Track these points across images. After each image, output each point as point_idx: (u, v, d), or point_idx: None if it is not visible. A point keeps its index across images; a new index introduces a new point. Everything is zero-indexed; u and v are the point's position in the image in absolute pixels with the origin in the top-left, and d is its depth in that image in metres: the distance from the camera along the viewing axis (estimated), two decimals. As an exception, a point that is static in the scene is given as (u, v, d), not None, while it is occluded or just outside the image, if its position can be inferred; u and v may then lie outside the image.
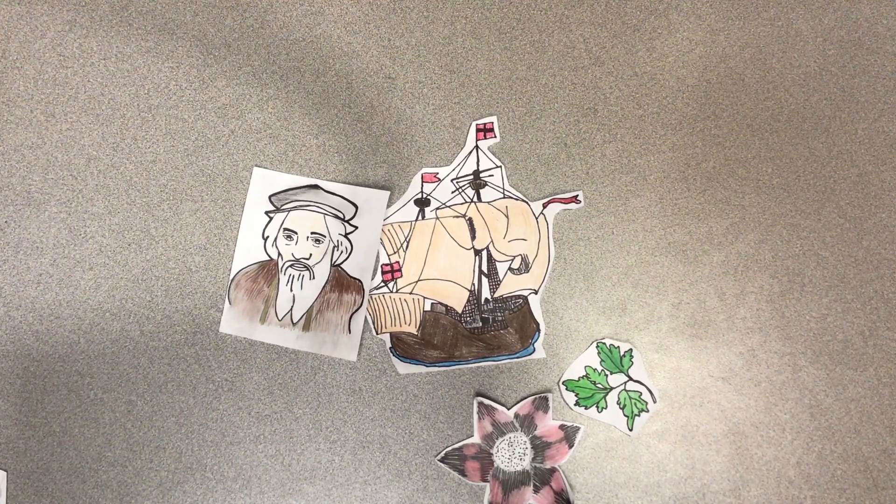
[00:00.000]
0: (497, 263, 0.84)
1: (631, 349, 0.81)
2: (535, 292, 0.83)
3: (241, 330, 0.83)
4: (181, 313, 0.83)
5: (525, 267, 0.83)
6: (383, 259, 0.84)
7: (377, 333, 0.83)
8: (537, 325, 0.83)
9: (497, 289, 0.83)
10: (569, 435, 0.80)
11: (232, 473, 0.82)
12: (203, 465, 0.82)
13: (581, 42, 0.86)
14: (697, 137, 0.85)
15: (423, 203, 0.85)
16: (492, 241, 0.84)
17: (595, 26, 0.87)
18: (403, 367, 0.83)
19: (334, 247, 0.84)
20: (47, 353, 0.83)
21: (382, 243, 0.84)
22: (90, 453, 0.82)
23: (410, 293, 0.84)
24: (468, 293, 0.84)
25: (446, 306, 0.84)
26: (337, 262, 0.84)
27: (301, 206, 0.84)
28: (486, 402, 0.81)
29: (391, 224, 0.84)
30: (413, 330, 0.83)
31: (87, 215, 0.85)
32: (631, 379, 0.81)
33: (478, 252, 0.84)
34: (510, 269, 0.84)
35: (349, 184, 0.84)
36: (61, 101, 0.86)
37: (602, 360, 0.81)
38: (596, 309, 0.83)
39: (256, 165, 0.85)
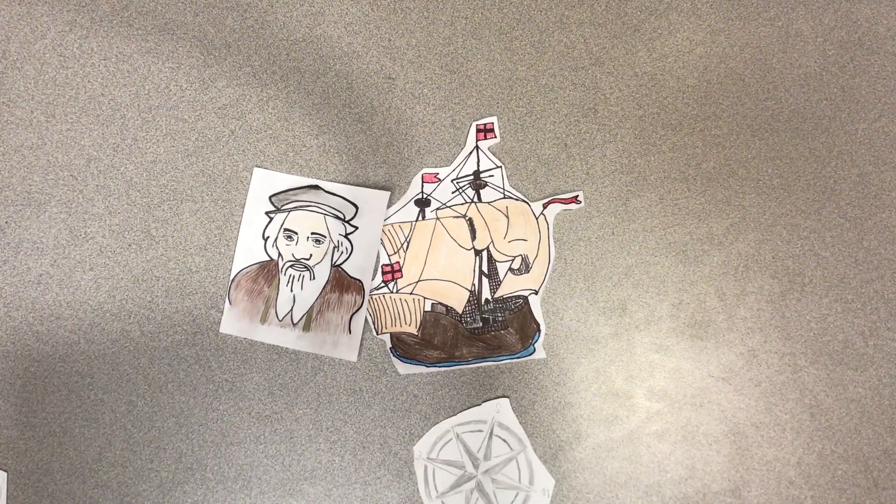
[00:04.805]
0: (497, 264, 0.84)
1: None
2: (536, 292, 0.83)
3: (241, 330, 0.83)
4: (181, 314, 0.83)
5: (525, 267, 0.83)
6: (383, 259, 0.84)
7: (377, 334, 0.83)
8: (538, 325, 0.83)
9: (497, 289, 0.83)
10: None
11: (232, 474, 0.82)
12: (203, 466, 0.82)
13: (581, 42, 0.86)
14: (697, 137, 0.85)
15: (423, 203, 0.85)
16: (492, 241, 0.84)
17: (595, 26, 0.87)
18: (404, 368, 0.83)
19: (334, 247, 0.84)
20: (47, 353, 0.83)
21: (383, 243, 0.84)
22: (90, 453, 0.82)
23: (411, 293, 0.84)
24: (468, 293, 0.84)
25: (446, 306, 0.84)
26: (337, 263, 0.84)
27: (301, 206, 0.84)
28: None
29: (391, 224, 0.84)
30: (413, 330, 0.83)
31: (88, 216, 0.85)
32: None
33: (478, 252, 0.84)
34: (510, 269, 0.84)
35: (349, 184, 0.84)
36: (61, 101, 0.86)
37: None
38: (596, 309, 0.83)
39: (257, 166, 0.85)
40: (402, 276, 0.84)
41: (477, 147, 0.85)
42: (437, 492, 0.80)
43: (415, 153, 0.85)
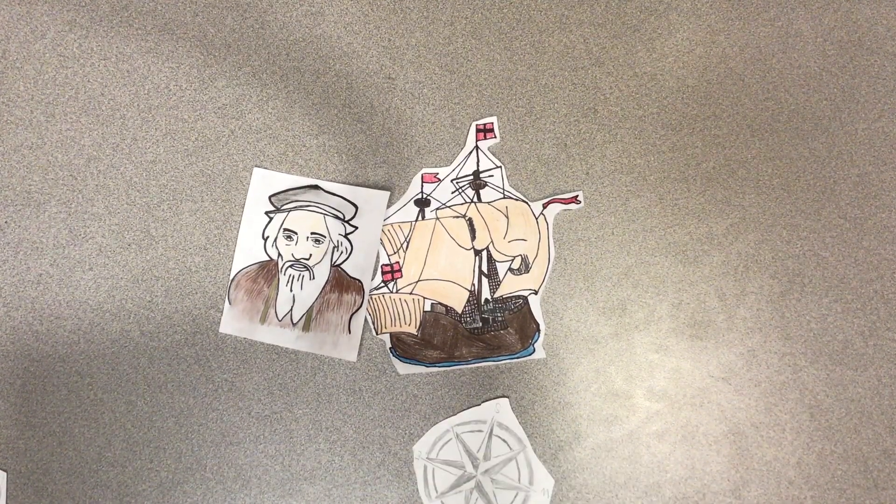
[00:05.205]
0: (497, 264, 0.84)
1: None
2: (536, 292, 0.83)
3: (241, 330, 0.83)
4: (181, 313, 0.83)
5: (525, 267, 0.83)
6: (383, 259, 0.84)
7: (377, 334, 0.83)
8: (537, 325, 0.83)
9: (497, 289, 0.83)
10: None
11: (232, 474, 0.82)
12: (203, 466, 0.82)
13: (581, 42, 0.86)
14: (697, 137, 0.85)
15: (423, 203, 0.85)
16: (492, 241, 0.84)
17: (595, 26, 0.87)
18: (403, 368, 0.83)
19: (334, 247, 0.84)
20: (47, 353, 0.83)
21: (382, 243, 0.84)
22: (90, 453, 0.82)
23: (410, 293, 0.84)
24: (468, 293, 0.84)
25: (446, 306, 0.84)
26: (337, 263, 0.84)
27: (301, 206, 0.84)
28: None
29: (391, 224, 0.84)
30: (413, 330, 0.83)
31: (87, 215, 0.85)
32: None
33: (478, 252, 0.84)
34: (510, 269, 0.84)
35: (349, 184, 0.84)
36: (61, 101, 0.86)
37: None
38: (596, 309, 0.83)
39: (256, 165, 0.85)
40: (401, 276, 0.84)
41: (477, 147, 0.85)
42: (436, 492, 0.80)
43: (415, 153, 0.85)
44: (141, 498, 0.82)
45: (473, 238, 0.84)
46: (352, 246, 0.84)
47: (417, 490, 0.81)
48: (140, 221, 0.85)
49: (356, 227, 0.84)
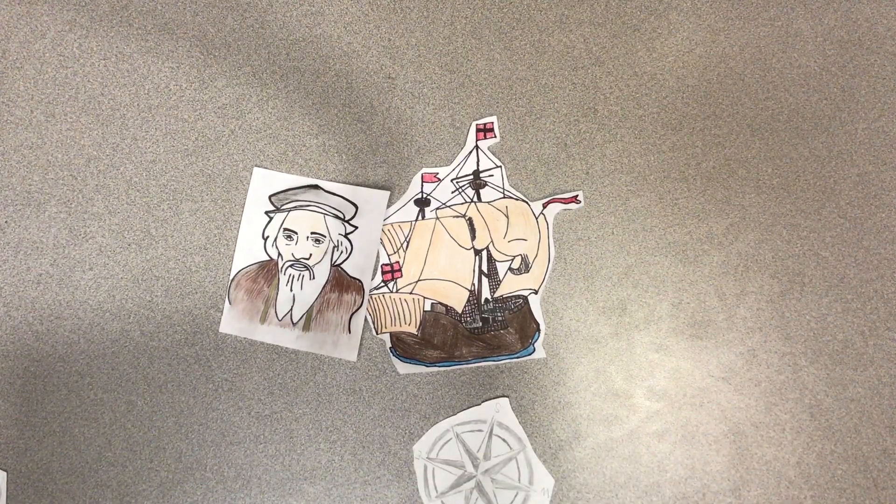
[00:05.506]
0: (497, 263, 0.84)
1: None
2: (536, 292, 0.83)
3: (241, 330, 0.83)
4: (181, 313, 0.83)
5: (525, 267, 0.83)
6: (383, 259, 0.84)
7: (377, 333, 0.83)
8: (537, 325, 0.83)
9: (497, 289, 0.83)
10: None
11: (232, 473, 0.82)
12: (203, 465, 0.82)
13: (581, 42, 0.86)
14: (697, 137, 0.85)
15: (423, 203, 0.85)
16: (492, 241, 0.84)
17: (595, 26, 0.87)
18: (403, 367, 0.83)
19: (334, 247, 0.84)
20: (47, 353, 0.83)
21: (382, 243, 0.84)
22: (90, 453, 0.82)
23: (410, 293, 0.84)
24: (468, 293, 0.84)
25: (446, 306, 0.84)
26: (337, 262, 0.84)
27: (301, 206, 0.84)
28: None
29: (391, 224, 0.84)
30: (413, 330, 0.83)
31: (87, 215, 0.85)
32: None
33: (478, 252, 0.84)
34: (510, 269, 0.84)
35: (349, 184, 0.85)
36: (61, 101, 0.86)
37: None
38: (596, 309, 0.83)
39: (256, 165, 0.85)
40: (401, 276, 0.84)
41: (477, 147, 0.85)
42: (436, 491, 0.80)
43: (415, 153, 0.85)
44: (141, 498, 0.82)
45: (473, 238, 0.84)
46: (352, 246, 0.84)
47: (417, 490, 0.81)
48: (140, 221, 0.85)
49: (356, 227, 0.84)
